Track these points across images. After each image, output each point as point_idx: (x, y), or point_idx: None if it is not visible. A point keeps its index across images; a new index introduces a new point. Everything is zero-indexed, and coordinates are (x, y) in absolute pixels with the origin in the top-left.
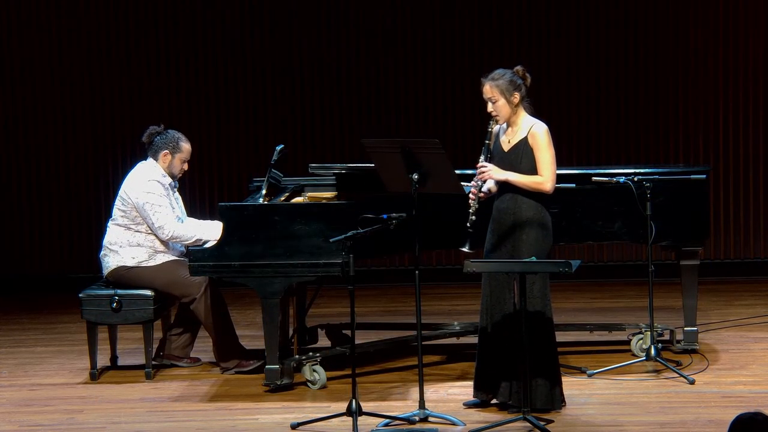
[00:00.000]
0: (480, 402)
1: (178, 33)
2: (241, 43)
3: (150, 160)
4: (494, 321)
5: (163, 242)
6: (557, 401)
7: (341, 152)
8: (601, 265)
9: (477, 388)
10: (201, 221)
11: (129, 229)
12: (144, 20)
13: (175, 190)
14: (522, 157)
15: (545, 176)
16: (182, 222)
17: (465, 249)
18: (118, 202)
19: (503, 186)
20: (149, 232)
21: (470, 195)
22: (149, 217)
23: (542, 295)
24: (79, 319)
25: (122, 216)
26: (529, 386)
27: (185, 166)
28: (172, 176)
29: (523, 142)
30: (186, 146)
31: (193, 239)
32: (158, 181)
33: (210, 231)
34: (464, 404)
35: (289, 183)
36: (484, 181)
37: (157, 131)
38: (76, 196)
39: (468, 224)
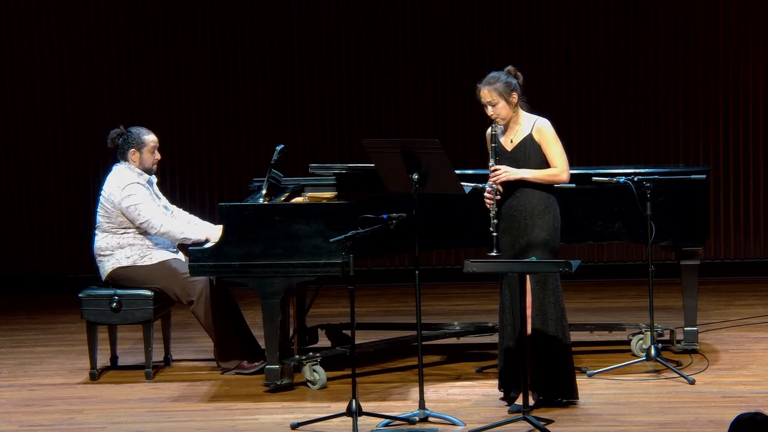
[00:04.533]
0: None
1: (178, 32)
2: (240, 43)
3: (122, 163)
4: (518, 321)
5: (153, 238)
6: (575, 392)
7: (341, 152)
8: (601, 265)
9: (506, 388)
10: (190, 219)
11: (116, 233)
12: (143, 20)
13: (154, 185)
14: (530, 154)
15: (559, 167)
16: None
17: (493, 253)
18: (100, 209)
19: (510, 184)
20: (137, 231)
21: (487, 201)
22: (137, 218)
23: (555, 287)
24: (79, 319)
25: (107, 222)
26: (550, 377)
27: (157, 156)
28: (148, 171)
29: (528, 138)
30: (149, 137)
31: (182, 236)
32: (137, 182)
33: (199, 231)
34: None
35: (289, 183)
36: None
37: (118, 133)
38: (76, 196)
39: (491, 228)
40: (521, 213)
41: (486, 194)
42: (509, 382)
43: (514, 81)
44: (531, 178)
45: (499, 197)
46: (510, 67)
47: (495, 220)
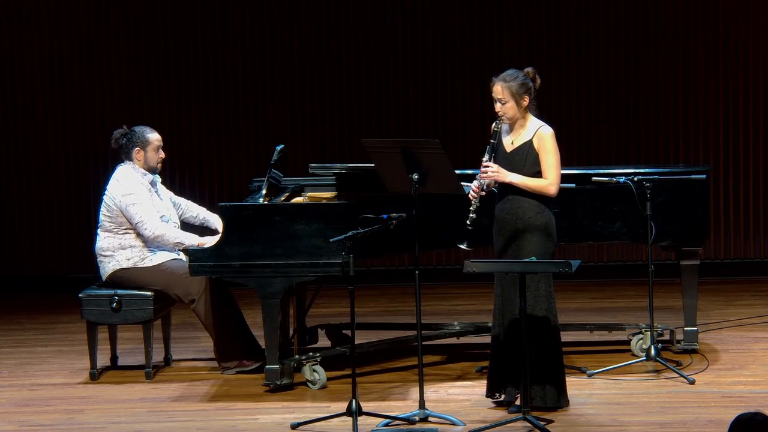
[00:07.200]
0: (503, 401)
1: (178, 33)
2: (240, 43)
3: (126, 163)
4: (505, 322)
5: (153, 242)
6: (564, 400)
7: (341, 152)
8: (601, 265)
9: (493, 390)
10: (200, 211)
11: (117, 234)
12: (143, 20)
13: (158, 185)
14: (526, 159)
15: (550, 179)
16: (167, 221)
17: (463, 246)
18: (103, 208)
19: (505, 187)
20: (138, 233)
21: (471, 193)
22: (132, 217)
23: (547, 294)
24: (79, 319)
25: (109, 222)
26: (538, 385)
27: (161, 155)
28: (153, 170)
29: (528, 144)
30: (153, 136)
31: (176, 240)
32: (140, 183)
33: (193, 237)
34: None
35: (289, 183)
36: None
37: (121, 133)
38: (76, 196)
39: (468, 222)
40: (512, 216)
41: (473, 187)
42: (497, 382)
43: (530, 84)
44: (519, 184)
45: (484, 194)
46: (529, 69)
47: (473, 215)
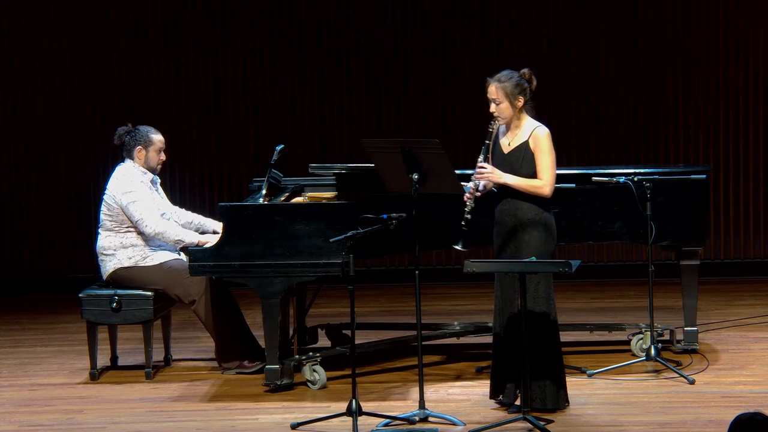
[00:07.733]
0: (504, 402)
1: (178, 33)
2: (241, 43)
3: (127, 161)
4: (505, 323)
5: (156, 239)
6: (562, 401)
7: (341, 152)
8: (601, 265)
9: (497, 392)
10: (194, 218)
11: (119, 232)
12: (143, 20)
13: (157, 185)
14: (522, 161)
15: (544, 180)
16: (168, 219)
17: (458, 247)
18: (103, 207)
19: (504, 189)
20: (139, 231)
21: (467, 194)
22: (133, 215)
23: (546, 295)
24: (79, 319)
25: (110, 221)
26: (537, 386)
27: (162, 157)
28: (152, 170)
29: (525, 145)
30: (157, 137)
31: (177, 237)
32: (140, 181)
33: (193, 235)
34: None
35: (289, 183)
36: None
37: (125, 131)
38: (76, 196)
39: (463, 222)
40: (511, 218)
41: (470, 188)
42: (499, 384)
43: (526, 84)
44: (513, 185)
45: (479, 194)
46: (525, 70)
47: (468, 216)
